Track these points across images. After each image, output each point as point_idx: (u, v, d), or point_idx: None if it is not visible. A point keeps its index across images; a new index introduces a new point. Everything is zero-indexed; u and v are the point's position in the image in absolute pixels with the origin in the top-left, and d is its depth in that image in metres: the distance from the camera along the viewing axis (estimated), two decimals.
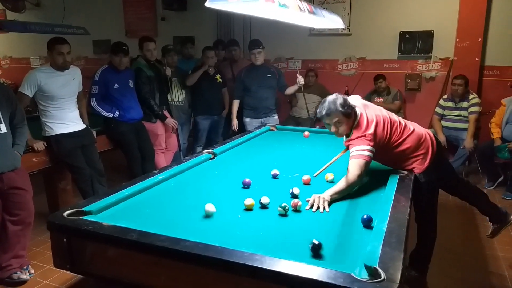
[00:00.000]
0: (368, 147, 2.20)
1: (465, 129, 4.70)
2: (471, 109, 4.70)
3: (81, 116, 3.61)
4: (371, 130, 2.23)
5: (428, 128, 5.06)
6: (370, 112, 2.32)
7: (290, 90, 4.66)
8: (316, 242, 1.50)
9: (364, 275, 1.29)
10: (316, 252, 1.51)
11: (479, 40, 4.93)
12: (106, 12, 7.28)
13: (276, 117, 4.58)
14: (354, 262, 1.40)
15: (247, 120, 4.46)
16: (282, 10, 1.86)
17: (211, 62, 4.65)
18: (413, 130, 2.44)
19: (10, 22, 6.27)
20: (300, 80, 4.41)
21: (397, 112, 5.37)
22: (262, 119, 4.40)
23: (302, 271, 1.33)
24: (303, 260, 1.38)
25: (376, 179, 2.38)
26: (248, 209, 1.95)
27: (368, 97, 5.56)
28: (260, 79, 4.33)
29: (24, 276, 2.73)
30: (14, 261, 2.73)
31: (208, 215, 1.87)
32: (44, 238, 3.23)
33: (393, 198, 1.95)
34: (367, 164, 2.20)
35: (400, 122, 2.42)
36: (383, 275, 1.28)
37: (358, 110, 2.31)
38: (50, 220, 1.75)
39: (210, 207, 1.87)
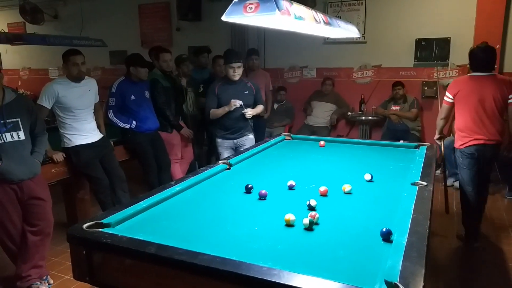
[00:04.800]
0: None
1: None
2: None
3: (99, 126, 3.67)
4: None
5: (448, 136, 5.03)
6: None
7: (256, 110, 3.90)
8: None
9: None
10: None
11: (497, 47, 4.84)
12: (122, 23, 7.42)
13: (251, 136, 3.98)
14: (374, 277, 1.38)
15: (218, 140, 3.94)
16: (298, 22, 1.86)
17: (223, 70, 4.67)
18: None
19: (30, 35, 6.43)
20: (247, 114, 3.79)
21: (414, 120, 5.32)
22: (235, 140, 3.91)
23: (320, 286, 1.31)
24: (321, 275, 1.36)
25: (394, 191, 2.35)
26: (289, 225, 1.87)
27: (385, 105, 5.53)
28: (237, 96, 3.75)
29: (43, 286, 2.77)
30: (34, 272, 2.77)
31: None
32: (63, 248, 3.27)
33: (412, 210, 1.92)
34: None
35: None
36: None
37: None
38: (69, 233, 1.76)
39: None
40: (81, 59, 3.33)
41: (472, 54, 3.39)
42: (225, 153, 3.84)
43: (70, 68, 3.31)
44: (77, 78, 3.36)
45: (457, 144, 3.46)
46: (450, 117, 3.62)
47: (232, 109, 3.71)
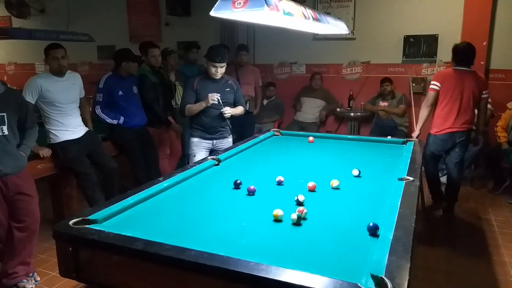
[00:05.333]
0: None
1: None
2: None
3: (85, 122, 3.63)
4: None
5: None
6: None
7: (235, 111, 3.61)
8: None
9: (371, 285, 1.28)
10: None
11: (484, 44, 4.90)
12: (110, 17, 7.31)
13: (230, 139, 3.73)
14: (361, 271, 1.39)
15: (194, 140, 3.63)
16: (287, 18, 1.86)
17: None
18: None
19: (16, 30, 6.31)
20: (226, 113, 3.51)
21: (401, 116, 5.36)
22: (214, 141, 3.64)
23: (307, 280, 1.32)
24: (309, 269, 1.37)
25: (381, 186, 2.37)
26: (277, 220, 1.87)
27: (373, 101, 5.56)
28: (217, 93, 3.46)
29: (30, 285, 2.74)
30: (21, 268, 2.73)
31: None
32: (50, 245, 3.23)
33: (399, 206, 1.94)
34: None
35: None
36: (389, 285, 1.26)
37: None
38: (56, 229, 1.74)
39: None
40: (61, 53, 3.28)
41: (457, 48, 3.82)
42: (200, 155, 3.51)
43: (50, 62, 3.28)
44: (58, 72, 3.32)
45: (432, 131, 3.89)
46: (434, 105, 3.86)
47: (209, 104, 3.43)
